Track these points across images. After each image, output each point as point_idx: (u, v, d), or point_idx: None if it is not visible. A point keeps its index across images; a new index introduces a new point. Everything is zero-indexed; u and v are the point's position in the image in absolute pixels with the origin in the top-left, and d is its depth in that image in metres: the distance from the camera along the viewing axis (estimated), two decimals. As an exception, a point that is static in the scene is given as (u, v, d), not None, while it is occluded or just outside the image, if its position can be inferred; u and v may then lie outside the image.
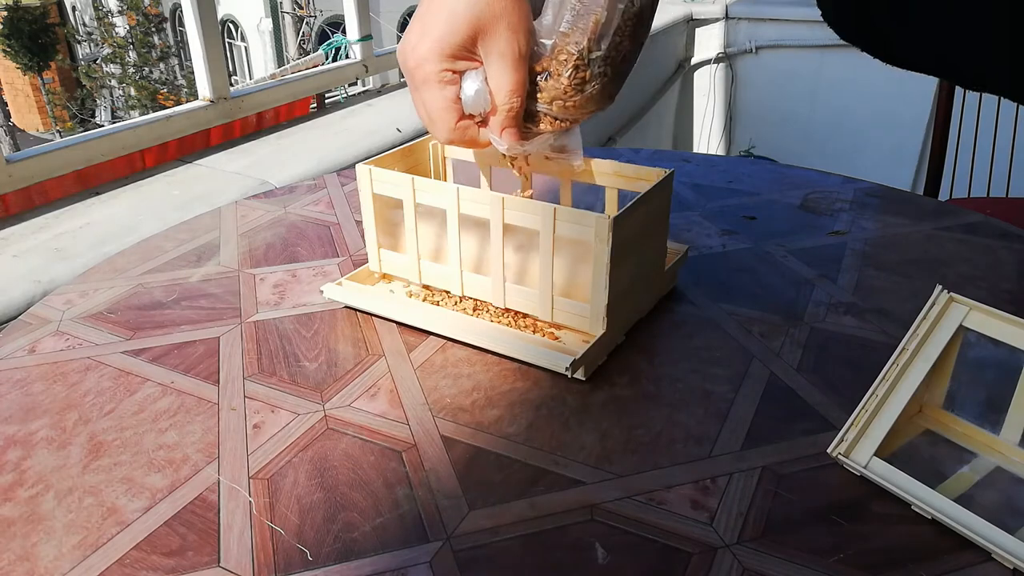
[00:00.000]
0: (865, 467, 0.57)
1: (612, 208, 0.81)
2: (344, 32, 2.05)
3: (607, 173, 0.80)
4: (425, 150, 0.87)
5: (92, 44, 14.45)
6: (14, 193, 1.23)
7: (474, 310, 0.78)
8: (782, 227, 1.00)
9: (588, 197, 0.86)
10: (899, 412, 0.59)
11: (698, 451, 0.61)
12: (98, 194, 1.33)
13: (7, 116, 14.75)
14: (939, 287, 0.62)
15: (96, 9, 13.97)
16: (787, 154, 3.26)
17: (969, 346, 0.61)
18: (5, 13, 12.72)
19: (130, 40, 13.67)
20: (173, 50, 14.18)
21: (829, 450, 0.59)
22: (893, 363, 0.61)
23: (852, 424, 0.59)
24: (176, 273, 0.91)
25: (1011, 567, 0.50)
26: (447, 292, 0.80)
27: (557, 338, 0.74)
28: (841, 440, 0.59)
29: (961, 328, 0.60)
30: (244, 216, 1.07)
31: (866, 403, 0.60)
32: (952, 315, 0.61)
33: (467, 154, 0.88)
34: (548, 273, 0.71)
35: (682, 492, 0.57)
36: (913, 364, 0.60)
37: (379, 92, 2.07)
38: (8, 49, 12.99)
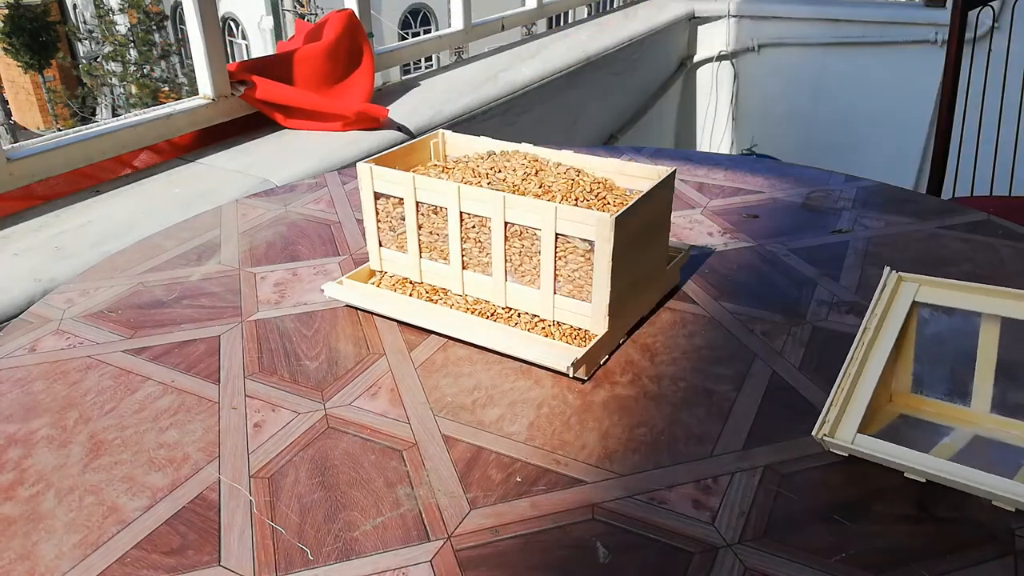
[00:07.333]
0: (852, 443, 0.58)
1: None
2: (345, 30, 2.04)
3: (609, 171, 0.80)
4: (426, 148, 0.87)
5: (93, 42, 14.44)
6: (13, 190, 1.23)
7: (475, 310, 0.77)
8: (784, 226, 0.99)
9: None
10: (874, 386, 0.60)
11: (700, 450, 0.61)
12: (98, 192, 1.33)
13: (8, 114, 14.75)
14: (888, 268, 0.64)
15: (97, 7, 13.96)
16: (790, 152, 3.25)
17: (925, 323, 0.63)
18: (6, 11, 12.72)
19: (131, 38, 13.66)
20: (174, 48, 14.17)
21: (813, 433, 0.59)
22: (858, 343, 0.62)
23: (831, 405, 0.60)
24: (176, 272, 0.91)
25: (1012, 509, 0.51)
26: (447, 290, 0.80)
27: (558, 337, 0.74)
28: (823, 422, 0.59)
29: (915, 304, 0.62)
30: (245, 215, 1.07)
31: (840, 383, 0.60)
32: (904, 292, 0.63)
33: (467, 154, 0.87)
34: (550, 272, 0.71)
35: (684, 491, 0.57)
36: (878, 340, 0.62)
37: (379, 90, 2.07)
38: (9, 47, 12.98)
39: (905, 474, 0.55)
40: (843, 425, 0.59)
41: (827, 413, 0.59)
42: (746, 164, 1.24)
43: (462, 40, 2.28)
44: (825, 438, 0.58)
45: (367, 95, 1.74)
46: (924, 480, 0.54)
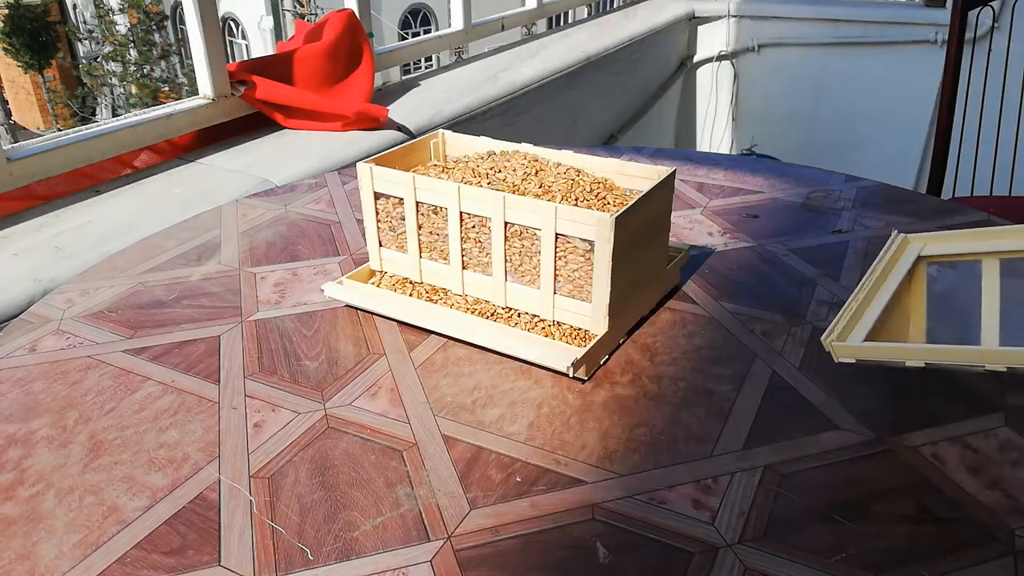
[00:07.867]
0: (861, 343, 0.60)
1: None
2: (345, 30, 2.04)
3: (609, 171, 0.80)
4: (426, 148, 0.87)
5: (93, 42, 14.43)
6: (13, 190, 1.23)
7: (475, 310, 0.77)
8: (784, 226, 0.99)
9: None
10: (885, 302, 0.63)
11: (700, 450, 0.61)
12: (98, 192, 1.33)
13: (8, 114, 14.74)
14: (895, 231, 0.69)
15: (97, 7, 13.95)
16: (790, 152, 3.25)
17: (933, 281, 0.66)
18: (6, 11, 12.72)
19: (131, 38, 13.66)
20: (174, 48, 14.17)
21: (822, 339, 0.61)
22: (867, 278, 0.65)
23: (841, 317, 0.62)
24: (176, 272, 0.91)
25: (1004, 368, 0.53)
26: (447, 290, 0.80)
27: (558, 337, 0.74)
28: (832, 331, 0.61)
29: (921, 259, 0.66)
30: (245, 215, 1.07)
31: (850, 303, 0.63)
32: (911, 249, 0.68)
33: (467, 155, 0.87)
34: (550, 272, 0.71)
35: (684, 491, 0.57)
36: (889, 276, 0.66)
37: (379, 90, 2.07)
38: (9, 47, 12.98)
39: (906, 363, 0.57)
40: (854, 332, 0.61)
41: (836, 323, 0.62)
42: (746, 164, 1.24)
43: (462, 40, 2.28)
44: (834, 343, 0.60)
45: (367, 95, 1.74)
46: (923, 364, 0.57)
